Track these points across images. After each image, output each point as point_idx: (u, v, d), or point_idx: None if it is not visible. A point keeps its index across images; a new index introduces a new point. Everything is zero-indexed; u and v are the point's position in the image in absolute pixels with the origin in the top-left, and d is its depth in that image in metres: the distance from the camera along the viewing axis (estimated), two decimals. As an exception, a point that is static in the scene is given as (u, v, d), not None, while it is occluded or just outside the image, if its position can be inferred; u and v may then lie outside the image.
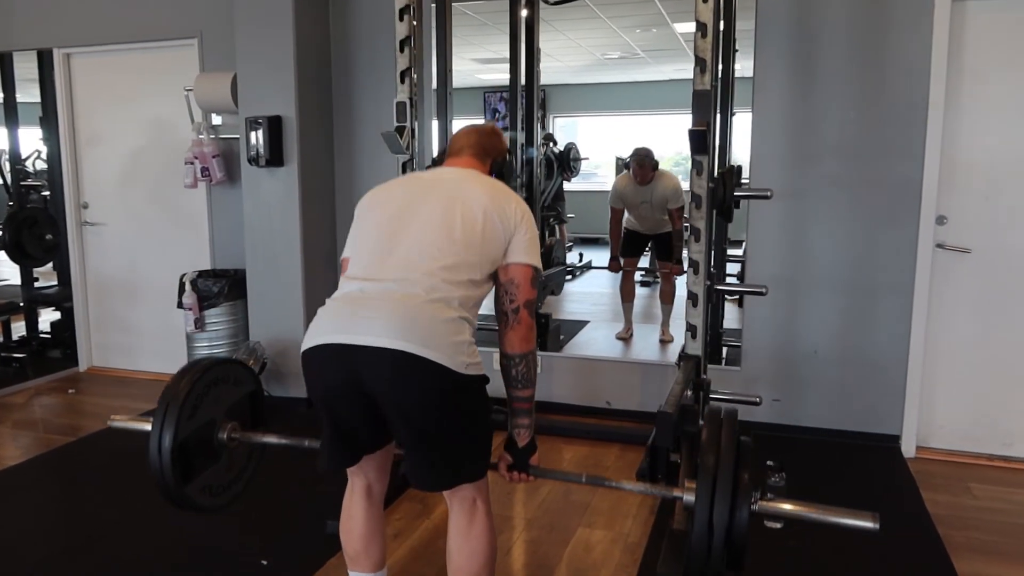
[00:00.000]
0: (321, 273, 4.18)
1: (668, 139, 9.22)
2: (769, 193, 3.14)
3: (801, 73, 3.55)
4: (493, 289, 1.90)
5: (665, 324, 5.27)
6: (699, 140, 2.72)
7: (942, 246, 3.49)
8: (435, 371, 1.68)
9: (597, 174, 9.49)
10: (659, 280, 6.88)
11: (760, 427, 3.74)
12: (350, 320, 1.74)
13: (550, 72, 7.80)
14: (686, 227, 5.66)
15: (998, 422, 3.53)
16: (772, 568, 2.58)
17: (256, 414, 2.44)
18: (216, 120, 4.37)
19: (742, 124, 3.75)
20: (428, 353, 1.67)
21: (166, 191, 4.68)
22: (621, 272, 5.46)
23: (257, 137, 3.90)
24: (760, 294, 3.16)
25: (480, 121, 2.98)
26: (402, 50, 3.08)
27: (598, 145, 9.88)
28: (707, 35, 2.73)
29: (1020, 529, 2.90)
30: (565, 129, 10.29)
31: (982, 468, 3.47)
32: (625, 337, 5.30)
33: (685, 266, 2.89)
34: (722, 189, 2.97)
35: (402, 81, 3.10)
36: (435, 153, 3.68)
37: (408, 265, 1.77)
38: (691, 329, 2.94)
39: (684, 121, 2.72)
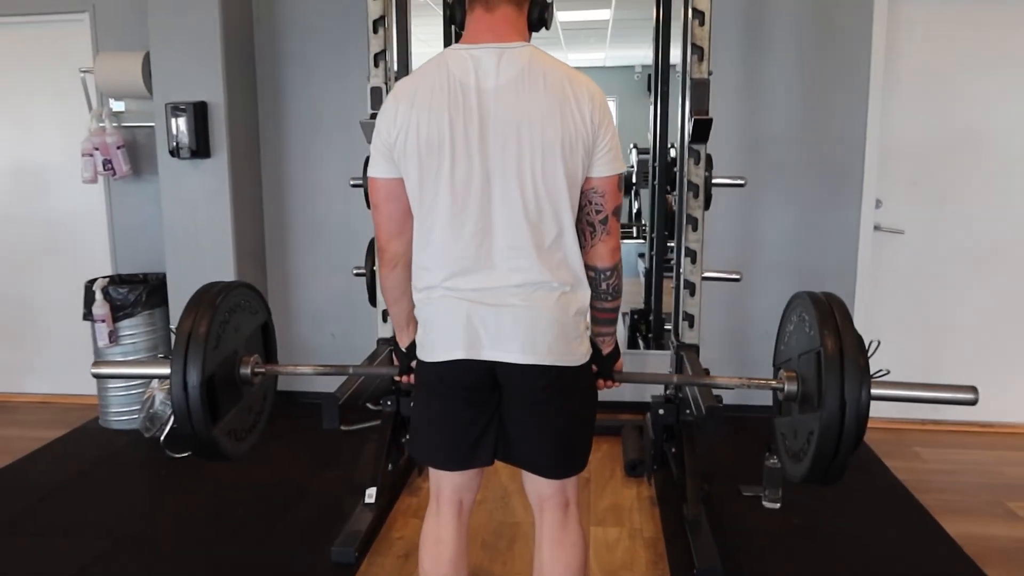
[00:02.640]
0: (252, 274, 3.81)
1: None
2: (743, 181, 3.20)
3: (750, 61, 3.63)
4: None
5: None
6: (703, 129, 2.72)
7: (878, 228, 3.72)
8: (563, 372, 1.66)
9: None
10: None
11: (719, 409, 3.84)
12: (475, 329, 1.62)
13: (423, 57, 7.50)
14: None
15: (926, 389, 3.83)
16: (776, 546, 2.66)
17: (268, 348, 2.16)
18: (118, 106, 3.85)
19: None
20: (556, 360, 1.64)
21: (50, 187, 4.08)
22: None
23: (179, 126, 3.47)
24: (735, 280, 3.22)
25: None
26: (375, 31, 2.84)
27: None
28: (704, 23, 2.72)
29: (977, 487, 3.15)
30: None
31: (919, 433, 3.75)
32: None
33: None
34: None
35: (376, 65, 2.86)
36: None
37: (509, 248, 1.60)
38: (688, 319, 2.94)
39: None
